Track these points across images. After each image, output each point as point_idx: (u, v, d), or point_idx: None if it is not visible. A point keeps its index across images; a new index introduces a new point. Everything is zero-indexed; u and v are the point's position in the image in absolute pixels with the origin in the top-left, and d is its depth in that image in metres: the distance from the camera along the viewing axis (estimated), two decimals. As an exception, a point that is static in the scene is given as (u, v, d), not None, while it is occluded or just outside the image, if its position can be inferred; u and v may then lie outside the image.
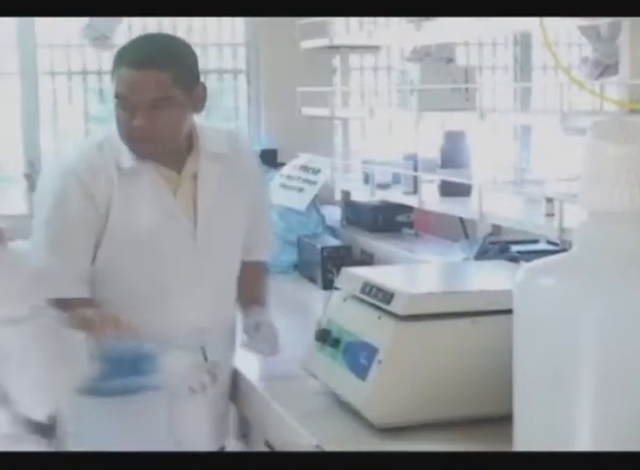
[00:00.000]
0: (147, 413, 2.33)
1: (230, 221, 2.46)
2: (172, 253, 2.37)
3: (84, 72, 4.91)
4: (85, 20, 4.52)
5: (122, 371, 2.17)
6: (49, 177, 2.43)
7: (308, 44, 4.31)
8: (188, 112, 2.33)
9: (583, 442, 1.51)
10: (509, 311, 1.66)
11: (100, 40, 4.54)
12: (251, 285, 2.59)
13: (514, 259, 2.76)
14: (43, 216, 2.34)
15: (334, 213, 4.34)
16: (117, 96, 2.28)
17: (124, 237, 2.33)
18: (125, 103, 2.26)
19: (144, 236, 2.34)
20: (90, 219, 2.31)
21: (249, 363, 2.69)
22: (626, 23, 2.55)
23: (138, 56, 2.26)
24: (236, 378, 2.57)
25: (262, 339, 2.49)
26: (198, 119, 2.48)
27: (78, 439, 2.35)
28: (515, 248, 3.06)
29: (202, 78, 2.40)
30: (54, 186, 2.36)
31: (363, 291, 2.17)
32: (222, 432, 2.52)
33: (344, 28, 4.21)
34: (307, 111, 4.34)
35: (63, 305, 2.27)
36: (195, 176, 2.40)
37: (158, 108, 2.25)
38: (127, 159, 2.33)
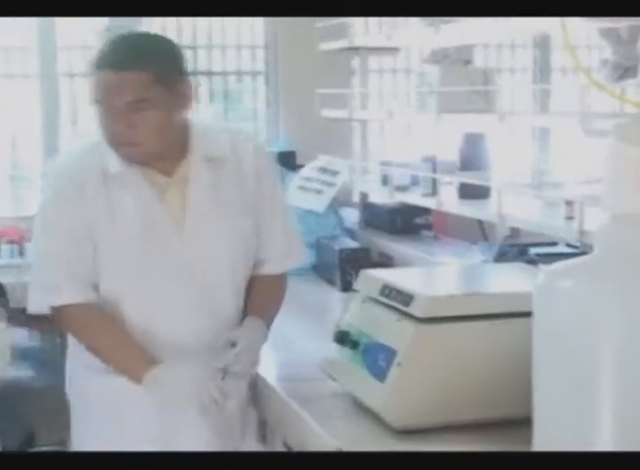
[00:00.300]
0: (145, 420, 2.28)
1: (226, 228, 2.32)
2: (158, 260, 2.27)
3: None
4: (104, 22, 4.54)
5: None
6: (43, 181, 2.40)
7: (327, 46, 4.31)
8: (173, 112, 2.22)
9: (603, 444, 1.51)
10: (528, 314, 1.66)
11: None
12: (253, 297, 2.41)
13: (532, 262, 2.75)
14: (37, 219, 2.32)
15: (352, 215, 4.34)
16: (96, 101, 2.19)
17: (110, 244, 2.26)
18: (104, 107, 2.18)
19: (128, 243, 2.25)
20: (79, 223, 2.25)
21: (267, 365, 2.69)
22: (647, 25, 2.54)
23: (112, 58, 2.16)
24: (254, 380, 2.57)
25: (233, 358, 2.23)
26: (209, 120, 2.45)
27: (80, 440, 2.35)
28: (533, 250, 3.06)
29: (189, 75, 2.29)
30: (43, 190, 2.34)
31: (382, 293, 2.17)
32: (233, 438, 2.43)
33: (363, 30, 4.21)
34: (326, 113, 4.34)
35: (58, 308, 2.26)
36: (187, 180, 2.29)
37: (138, 110, 2.15)
38: (115, 163, 2.25)
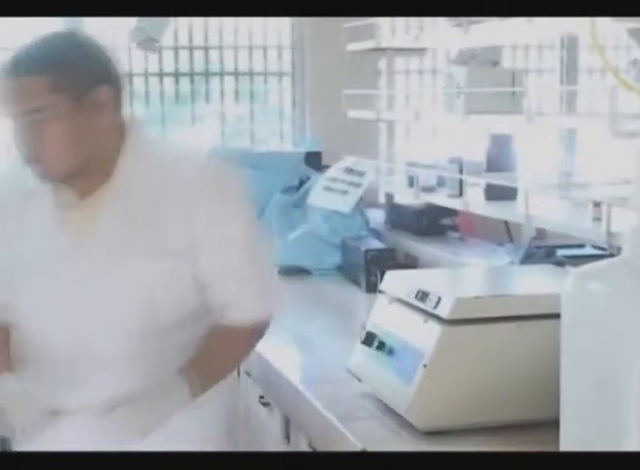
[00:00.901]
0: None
1: (136, 267, 1.96)
2: (50, 290, 2.00)
3: (130, 75, 4.95)
4: (133, 22, 4.56)
5: None
6: None
7: (354, 46, 4.31)
8: (84, 123, 1.92)
9: (631, 446, 1.50)
10: (555, 316, 1.66)
11: (147, 43, 4.58)
12: (196, 351, 2.03)
13: (560, 264, 2.74)
14: None
15: (378, 216, 4.34)
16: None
17: (6, 268, 2.05)
18: (8, 119, 1.93)
19: (21, 269, 2.02)
20: None
21: (291, 366, 2.70)
22: (677, 25, 2.52)
23: (10, 64, 1.90)
24: (280, 380, 2.57)
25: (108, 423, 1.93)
26: (162, 137, 2.21)
27: None
28: (561, 252, 3.04)
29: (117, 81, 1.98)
30: None
31: (409, 294, 2.17)
32: None
33: (390, 31, 4.21)
34: (353, 113, 4.34)
35: None
36: (104, 204, 1.99)
37: (37, 121, 1.88)
38: (29, 181, 2.00)
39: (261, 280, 2.06)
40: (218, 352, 2.05)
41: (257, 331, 2.09)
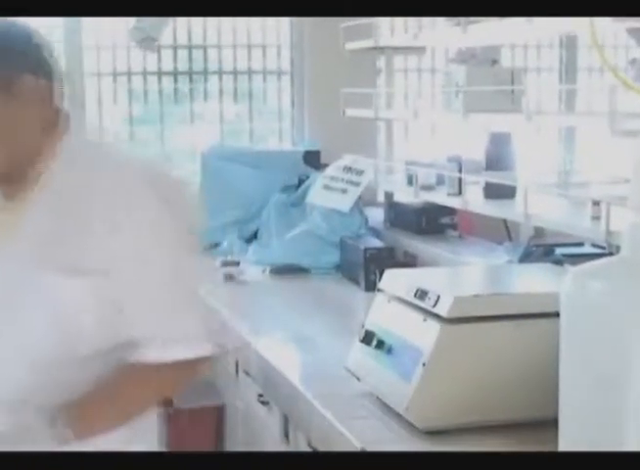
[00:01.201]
0: None
1: (44, 285, 1.72)
2: None
3: (129, 73, 4.95)
4: (132, 21, 4.56)
5: None
6: None
7: (353, 45, 4.31)
8: (7, 116, 1.72)
9: (629, 446, 1.50)
10: (554, 315, 1.65)
11: (146, 42, 4.58)
12: (96, 388, 1.75)
13: (558, 262, 2.74)
14: None
15: (377, 215, 4.34)
16: None
17: None
18: None
19: None
20: None
21: (291, 364, 2.69)
22: (676, 24, 2.52)
23: None
24: (279, 379, 2.57)
25: None
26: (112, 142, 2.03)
27: None
28: (559, 251, 3.04)
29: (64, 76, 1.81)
30: None
31: (408, 293, 2.17)
32: None
33: (389, 30, 4.21)
34: (351, 112, 4.34)
35: None
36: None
37: None
38: None
39: (185, 317, 1.77)
40: (118, 393, 1.77)
41: (175, 374, 1.79)
